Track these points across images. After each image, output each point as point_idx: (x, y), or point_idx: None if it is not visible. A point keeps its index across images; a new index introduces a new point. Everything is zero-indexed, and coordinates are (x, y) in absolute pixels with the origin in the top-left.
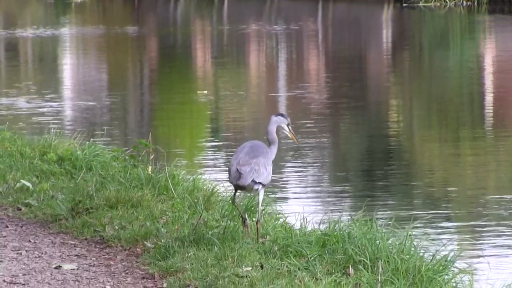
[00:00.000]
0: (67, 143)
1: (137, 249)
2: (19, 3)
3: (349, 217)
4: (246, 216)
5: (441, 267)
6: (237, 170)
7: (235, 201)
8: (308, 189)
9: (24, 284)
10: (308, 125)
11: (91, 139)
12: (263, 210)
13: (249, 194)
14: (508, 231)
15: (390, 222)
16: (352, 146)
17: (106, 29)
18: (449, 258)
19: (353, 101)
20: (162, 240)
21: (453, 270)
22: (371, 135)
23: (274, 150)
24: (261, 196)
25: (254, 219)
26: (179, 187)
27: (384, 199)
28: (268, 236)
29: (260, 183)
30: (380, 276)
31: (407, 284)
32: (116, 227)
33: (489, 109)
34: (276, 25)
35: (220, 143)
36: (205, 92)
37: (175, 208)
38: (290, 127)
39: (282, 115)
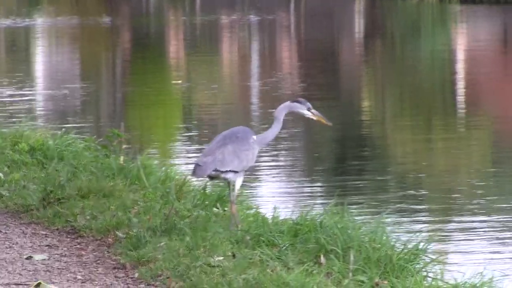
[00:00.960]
0: (38, 133)
1: (109, 239)
2: None
3: (321, 207)
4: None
5: (412, 256)
6: (197, 163)
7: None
8: (280, 178)
9: None
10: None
11: (63, 129)
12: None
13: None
14: (479, 220)
15: (362, 211)
16: (324, 135)
17: (79, 20)
18: (420, 247)
19: (325, 90)
20: (134, 230)
21: (425, 259)
22: (343, 124)
23: (273, 130)
24: (237, 183)
25: (226, 208)
26: (151, 177)
27: (356, 189)
28: (240, 225)
29: (230, 171)
30: (352, 265)
31: (378, 273)
32: (88, 217)
33: (460, 97)
34: (249, 15)
35: (193, 132)
36: (179, 82)
37: (147, 198)
38: (313, 111)
39: (298, 101)
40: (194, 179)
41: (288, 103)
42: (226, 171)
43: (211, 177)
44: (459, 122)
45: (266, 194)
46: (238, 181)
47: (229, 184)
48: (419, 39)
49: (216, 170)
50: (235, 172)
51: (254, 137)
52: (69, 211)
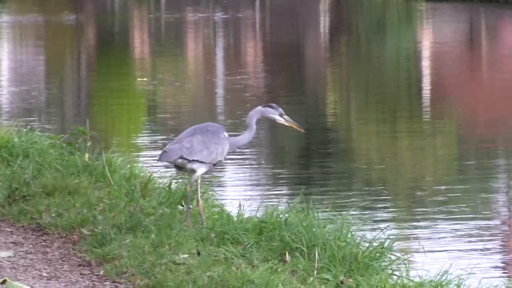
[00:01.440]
0: (3, 130)
1: (74, 236)
2: None
3: (286, 205)
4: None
5: (377, 254)
6: (164, 150)
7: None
8: (245, 176)
9: None
10: (246, 112)
11: (28, 126)
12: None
13: (186, 182)
14: (444, 218)
15: (327, 210)
16: (289, 133)
17: (44, 18)
18: (385, 245)
19: (290, 87)
20: (99, 227)
21: (390, 257)
22: (308, 122)
23: (245, 136)
24: (198, 173)
25: (191, 206)
26: (116, 174)
27: (321, 187)
28: (205, 223)
29: (196, 160)
30: (317, 263)
31: (343, 271)
32: (53, 214)
33: (425, 94)
34: (214, 13)
35: (158, 129)
36: (145, 79)
37: (112, 195)
38: (285, 117)
39: (270, 106)
40: (161, 172)
41: (259, 108)
42: (193, 161)
43: (178, 167)
44: (424, 119)
45: (231, 192)
46: (200, 171)
47: (191, 174)
48: (384, 37)
49: (182, 158)
50: (202, 163)
51: (226, 134)
52: (34, 208)
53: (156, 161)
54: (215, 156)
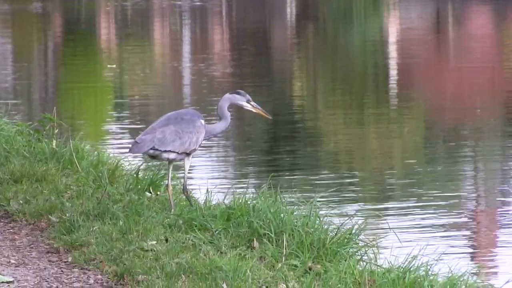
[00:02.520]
0: None
1: (42, 224)
2: None
3: (254, 191)
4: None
5: (345, 240)
6: (135, 140)
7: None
8: (213, 163)
9: None
10: (213, 98)
11: None
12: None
13: (153, 168)
14: (412, 205)
15: (294, 196)
16: (256, 119)
17: (10, 6)
18: (353, 231)
19: (257, 75)
20: (67, 214)
21: (358, 243)
22: (275, 108)
23: (221, 124)
24: (186, 165)
25: (159, 192)
26: (83, 161)
27: (289, 172)
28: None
29: (171, 151)
30: (285, 249)
31: (311, 257)
32: (21, 202)
33: (392, 81)
34: (180, 0)
35: (125, 115)
36: (114, 66)
37: (80, 182)
38: (252, 103)
39: (238, 92)
40: (129, 159)
41: (227, 95)
42: (166, 151)
43: (152, 157)
44: (391, 104)
45: (199, 178)
46: (187, 163)
47: (169, 164)
48: (351, 24)
49: (154, 149)
50: (177, 153)
51: (202, 121)
52: (2, 195)
53: (128, 151)
54: (188, 145)
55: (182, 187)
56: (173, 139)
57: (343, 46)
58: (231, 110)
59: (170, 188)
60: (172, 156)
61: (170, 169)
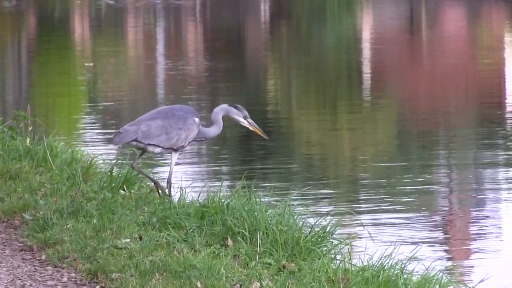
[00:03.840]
0: None
1: (16, 221)
2: None
3: (227, 189)
4: (155, 179)
5: (319, 239)
6: (119, 131)
7: (136, 166)
8: (187, 161)
9: None
10: (186, 96)
11: None
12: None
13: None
14: (386, 203)
15: (268, 194)
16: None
17: None
18: (328, 229)
19: (230, 73)
20: (41, 212)
21: (332, 242)
22: (249, 105)
23: (214, 129)
24: (172, 159)
25: (133, 190)
26: (57, 159)
27: (263, 171)
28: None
29: (153, 144)
30: (259, 247)
31: (285, 255)
32: None
33: (365, 79)
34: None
35: (100, 113)
36: (91, 64)
37: (54, 180)
38: (249, 121)
39: (235, 107)
40: (101, 161)
41: (225, 106)
42: (151, 145)
43: (139, 148)
44: (364, 102)
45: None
46: (173, 158)
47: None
48: (324, 22)
49: (137, 141)
50: (163, 148)
51: (197, 119)
52: None
53: (109, 141)
54: (175, 141)
55: (167, 179)
56: (159, 134)
57: (316, 44)
58: (202, 108)
59: (136, 167)
60: (157, 150)
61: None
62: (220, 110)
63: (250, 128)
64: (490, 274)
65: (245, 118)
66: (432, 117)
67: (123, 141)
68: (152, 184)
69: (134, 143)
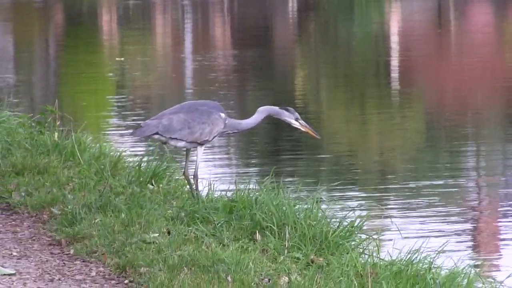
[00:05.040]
0: None
1: (44, 216)
2: None
3: (256, 184)
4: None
5: (348, 233)
6: (140, 125)
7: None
8: (216, 155)
9: None
10: (213, 91)
11: None
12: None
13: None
14: (415, 198)
15: (297, 189)
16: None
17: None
18: (356, 224)
19: (259, 68)
20: (69, 207)
21: (360, 236)
22: (277, 101)
23: (246, 122)
24: (198, 153)
25: (161, 185)
26: (85, 153)
27: (292, 166)
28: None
29: (175, 138)
30: (287, 241)
31: (314, 250)
32: (23, 194)
33: (394, 74)
34: None
35: (127, 108)
36: (122, 59)
37: (82, 174)
38: (301, 122)
39: (287, 109)
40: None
41: (277, 108)
42: (173, 139)
43: (162, 142)
44: (393, 98)
45: (202, 170)
46: (199, 152)
47: (186, 152)
48: (352, 16)
49: (158, 135)
50: (186, 142)
51: (222, 114)
52: (4, 187)
53: (130, 134)
54: (199, 135)
55: (193, 173)
56: (181, 128)
57: (344, 38)
58: (234, 104)
59: (187, 174)
60: (180, 144)
61: (188, 157)
62: (270, 109)
63: (302, 129)
64: None
65: (296, 119)
66: (461, 110)
67: (143, 135)
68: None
69: (156, 136)
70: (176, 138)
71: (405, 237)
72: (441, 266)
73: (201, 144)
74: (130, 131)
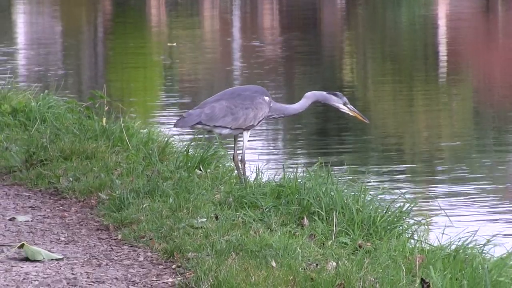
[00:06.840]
0: (21, 95)
1: (92, 201)
2: None
3: (304, 169)
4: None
5: (395, 219)
6: (182, 115)
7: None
8: (263, 140)
9: None
10: (262, 77)
11: (46, 91)
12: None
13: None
14: (463, 183)
15: (345, 174)
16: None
17: None
18: (404, 209)
19: (307, 55)
20: (117, 192)
21: (408, 221)
22: (325, 88)
23: (293, 107)
24: (244, 139)
25: (209, 170)
26: (133, 138)
27: (340, 151)
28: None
29: (222, 127)
30: (335, 227)
31: (362, 235)
32: (71, 179)
33: (441, 62)
34: None
35: (175, 93)
36: (174, 44)
37: (130, 159)
38: (349, 106)
39: (335, 94)
40: (179, 136)
41: (324, 93)
42: (217, 127)
43: (206, 131)
44: (440, 84)
45: (249, 155)
46: (245, 137)
47: (235, 138)
48: (400, 5)
49: (202, 124)
50: (230, 129)
51: (267, 98)
52: (52, 172)
53: (173, 126)
54: (243, 121)
55: (240, 158)
56: (224, 115)
57: (392, 27)
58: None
59: (236, 159)
60: (225, 131)
61: (236, 143)
62: (318, 95)
63: (351, 113)
64: None
65: (345, 104)
66: (509, 95)
67: (186, 125)
68: (240, 179)
69: (200, 126)
70: (220, 126)
71: (454, 222)
72: (490, 253)
73: (247, 129)
74: (174, 120)
